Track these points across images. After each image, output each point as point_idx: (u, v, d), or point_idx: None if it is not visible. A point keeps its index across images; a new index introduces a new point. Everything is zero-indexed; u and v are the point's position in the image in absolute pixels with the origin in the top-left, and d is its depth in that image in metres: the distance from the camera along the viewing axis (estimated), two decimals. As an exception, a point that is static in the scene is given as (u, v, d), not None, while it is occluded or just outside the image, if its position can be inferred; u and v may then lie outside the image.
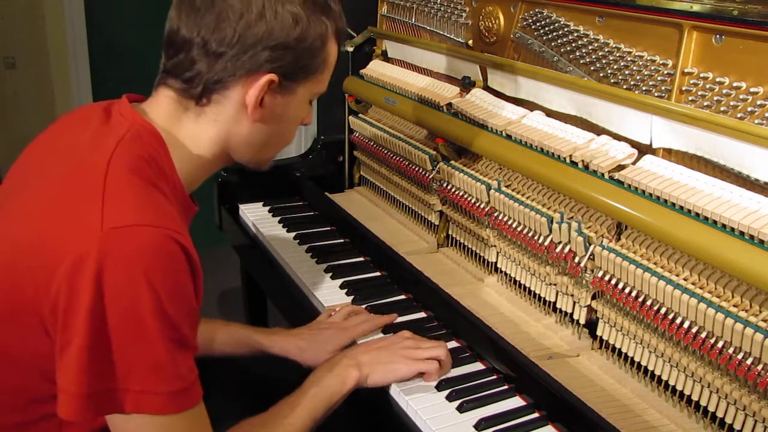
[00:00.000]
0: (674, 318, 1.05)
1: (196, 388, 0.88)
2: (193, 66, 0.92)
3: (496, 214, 1.39)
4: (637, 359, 1.16)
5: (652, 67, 1.18)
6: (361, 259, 1.61)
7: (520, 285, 1.41)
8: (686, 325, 1.03)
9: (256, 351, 1.31)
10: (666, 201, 1.07)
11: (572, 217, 1.25)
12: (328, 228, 1.77)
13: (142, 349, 0.82)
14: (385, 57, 1.95)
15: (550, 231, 1.25)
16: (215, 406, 0.96)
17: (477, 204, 1.44)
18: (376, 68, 1.90)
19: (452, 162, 1.53)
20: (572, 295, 1.26)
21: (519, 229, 1.33)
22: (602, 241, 1.17)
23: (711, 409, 1.04)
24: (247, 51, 0.91)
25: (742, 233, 0.96)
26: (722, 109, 1.06)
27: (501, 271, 1.46)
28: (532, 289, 1.37)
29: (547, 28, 1.39)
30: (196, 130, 0.97)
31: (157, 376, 0.83)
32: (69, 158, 0.91)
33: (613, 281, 1.14)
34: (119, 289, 0.79)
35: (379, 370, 1.14)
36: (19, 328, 0.85)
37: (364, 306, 1.39)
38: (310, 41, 0.94)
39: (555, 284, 1.30)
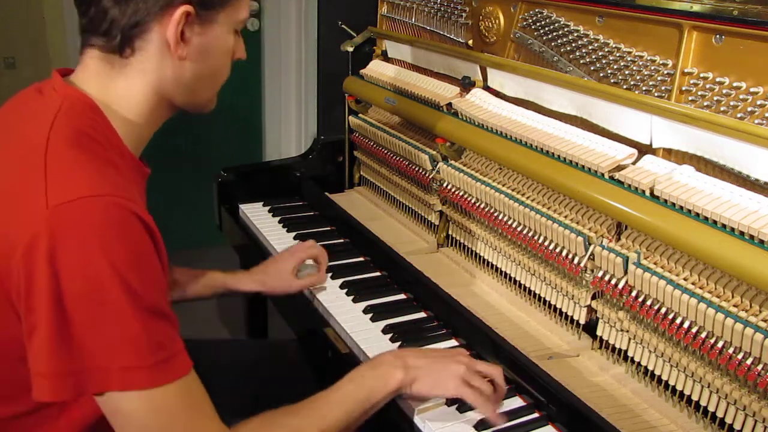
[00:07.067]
0: (674, 318, 1.05)
1: (182, 358, 0.86)
2: (106, 15, 0.89)
3: (496, 215, 1.39)
4: (637, 359, 1.16)
5: (652, 67, 1.18)
6: (361, 259, 1.61)
7: (520, 285, 1.41)
8: (686, 325, 1.03)
9: (224, 292, 1.46)
10: (666, 201, 1.07)
11: (567, 216, 1.25)
12: (328, 228, 1.77)
13: (111, 323, 0.80)
14: (385, 57, 1.95)
15: (552, 232, 1.25)
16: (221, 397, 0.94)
17: (477, 204, 1.44)
18: (376, 68, 1.90)
19: (452, 162, 1.53)
20: (572, 296, 1.26)
21: (519, 229, 1.33)
22: (602, 241, 1.17)
23: (711, 409, 1.04)
24: None
25: (742, 233, 0.96)
26: (722, 109, 1.06)
27: (501, 271, 1.46)
28: (532, 289, 1.37)
29: (547, 28, 1.39)
30: (128, 88, 0.94)
31: (135, 349, 0.81)
32: (6, 143, 0.90)
33: (613, 281, 1.14)
34: (74, 265, 0.78)
35: (428, 380, 1.06)
36: None
37: (364, 305, 1.38)
38: None
39: (555, 284, 1.30)
